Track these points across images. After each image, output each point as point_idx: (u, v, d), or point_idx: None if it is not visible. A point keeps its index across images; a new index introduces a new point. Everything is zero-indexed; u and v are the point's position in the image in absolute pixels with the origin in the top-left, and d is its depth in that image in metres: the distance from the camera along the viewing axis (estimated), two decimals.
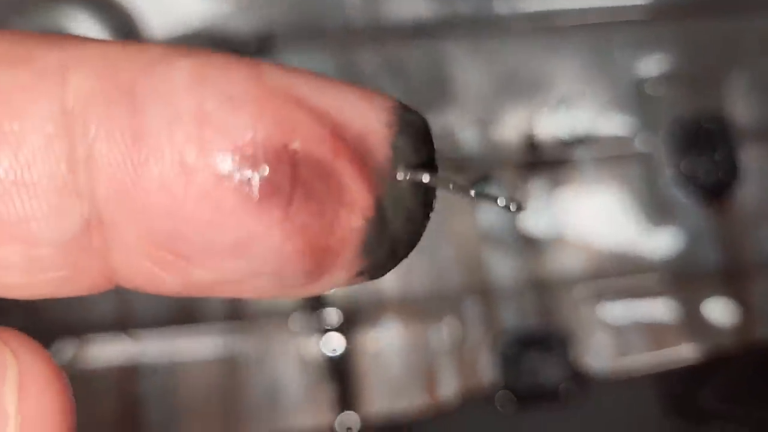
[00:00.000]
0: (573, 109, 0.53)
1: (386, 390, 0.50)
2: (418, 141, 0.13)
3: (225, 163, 0.12)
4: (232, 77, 0.12)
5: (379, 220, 0.13)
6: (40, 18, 0.49)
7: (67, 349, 0.46)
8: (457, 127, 0.52)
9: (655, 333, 0.52)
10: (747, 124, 0.53)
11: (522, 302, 0.51)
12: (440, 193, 0.14)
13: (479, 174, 0.51)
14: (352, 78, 0.50)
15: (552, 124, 0.52)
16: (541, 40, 0.53)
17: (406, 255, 0.14)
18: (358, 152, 0.13)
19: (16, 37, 0.12)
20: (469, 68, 0.52)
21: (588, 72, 0.53)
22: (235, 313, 0.48)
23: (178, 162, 0.12)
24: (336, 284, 0.14)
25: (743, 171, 0.53)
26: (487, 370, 0.50)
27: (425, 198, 0.14)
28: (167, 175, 0.12)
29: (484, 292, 0.51)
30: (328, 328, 0.50)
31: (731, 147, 0.52)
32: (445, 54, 0.52)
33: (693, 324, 0.52)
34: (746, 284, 0.52)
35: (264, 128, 0.12)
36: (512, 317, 0.51)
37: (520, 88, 0.52)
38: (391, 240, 0.13)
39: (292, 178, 0.12)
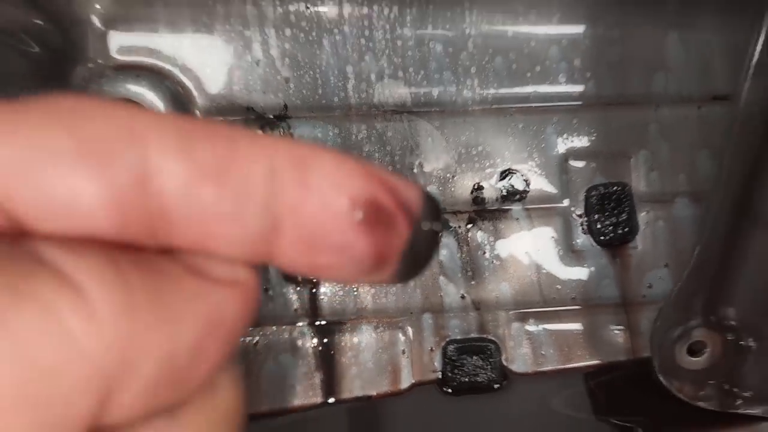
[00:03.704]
0: (513, 174, 0.56)
1: (361, 378, 0.54)
2: (435, 209, 0.19)
3: (351, 205, 0.18)
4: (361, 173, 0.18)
5: (410, 245, 0.19)
6: (107, 87, 0.53)
7: None
8: (424, 183, 0.56)
9: (565, 346, 0.56)
10: (645, 193, 0.57)
11: (466, 319, 0.55)
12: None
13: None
14: (346, 142, 0.55)
15: (496, 184, 0.56)
16: (492, 119, 0.56)
17: (422, 269, 0.19)
18: (408, 212, 0.18)
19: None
20: (436, 139, 0.56)
21: (526, 145, 0.56)
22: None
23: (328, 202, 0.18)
24: (382, 279, 0.19)
25: (639, 228, 0.56)
26: (437, 368, 0.55)
27: (435, 238, 0.19)
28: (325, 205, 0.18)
29: (437, 309, 0.55)
30: (321, 325, 0.54)
31: (632, 209, 0.55)
32: (418, 127, 0.56)
33: (594, 341, 0.56)
34: (636, 314, 0.56)
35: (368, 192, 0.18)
36: (458, 330, 0.56)
37: (474, 155, 0.56)
38: (414, 258, 0.19)
39: (377, 216, 0.18)
